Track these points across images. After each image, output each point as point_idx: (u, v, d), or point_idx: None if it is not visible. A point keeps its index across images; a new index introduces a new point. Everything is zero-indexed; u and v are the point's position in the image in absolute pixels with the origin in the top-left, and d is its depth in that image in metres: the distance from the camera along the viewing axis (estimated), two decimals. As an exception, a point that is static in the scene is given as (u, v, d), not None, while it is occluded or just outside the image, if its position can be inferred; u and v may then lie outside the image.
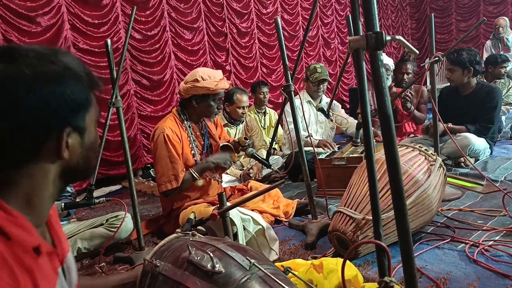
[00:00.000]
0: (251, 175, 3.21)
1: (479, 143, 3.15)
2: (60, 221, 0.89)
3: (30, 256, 0.68)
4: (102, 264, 1.96)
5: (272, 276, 0.89)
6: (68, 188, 2.27)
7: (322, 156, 3.07)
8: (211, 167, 2.33)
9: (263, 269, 0.91)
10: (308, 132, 2.68)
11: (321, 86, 3.53)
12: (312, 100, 3.59)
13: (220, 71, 2.39)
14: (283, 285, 0.87)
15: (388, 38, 0.71)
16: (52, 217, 0.83)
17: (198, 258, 0.93)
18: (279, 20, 2.16)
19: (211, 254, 0.92)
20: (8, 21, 3.31)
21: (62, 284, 0.79)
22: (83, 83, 0.74)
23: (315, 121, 3.63)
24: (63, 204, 1.84)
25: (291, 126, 3.41)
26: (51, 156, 0.72)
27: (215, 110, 2.35)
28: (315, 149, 3.15)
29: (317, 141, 3.37)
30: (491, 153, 3.34)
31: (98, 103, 0.79)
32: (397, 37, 0.73)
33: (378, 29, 0.71)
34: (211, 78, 2.26)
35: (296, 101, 3.01)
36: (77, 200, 2.73)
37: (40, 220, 0.77)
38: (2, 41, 3.25)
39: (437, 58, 2.39)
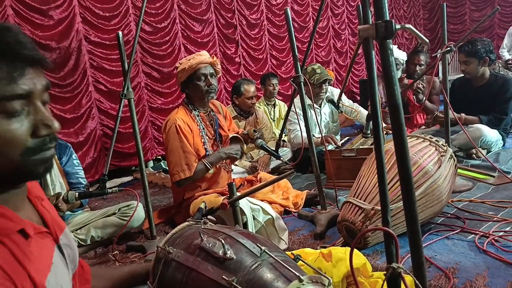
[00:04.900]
0: (258, 167, 3.22)
1: (491, 134, 3.11)
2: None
3: (14, 239, 0.69)
4: (115, 252, 2.01)
5: (283, 263, 0.91)
6: (81, 180, 2.32)
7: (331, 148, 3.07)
8: (223, 157, 2.37)
9: (273, 256, 0.92)
10: (321, 129, 2.66)
11: (324, 87, 3.39)
12: (312, 103, 3.51)
13: (202, 51, 2.44)
14: (293, 271, 0.88)
15: (398, 26, 0.71)
16: (37, 198, 0.84)
17: (210, 245, 0.95)
18: (289, 11, 2.14)
19: (222, 241, 0.94)
20: (22, 14, 3.36)
21: (59, 261, 0.80)
22: None
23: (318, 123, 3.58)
24: (77, 193, 1.89)
25: (290, 127, 3.41)
26: None
27: (205, 88, 2.32)
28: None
29: (320, 138, 3.34)
30: (503, 145, 3.29)
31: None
32: (407, 25, 0.73)
33: (388, 18, 0.71)
34: (187, 59, 2.32)
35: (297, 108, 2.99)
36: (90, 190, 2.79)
37: (15, 200, 0.76)
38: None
39: (449, 48, 2.36)
